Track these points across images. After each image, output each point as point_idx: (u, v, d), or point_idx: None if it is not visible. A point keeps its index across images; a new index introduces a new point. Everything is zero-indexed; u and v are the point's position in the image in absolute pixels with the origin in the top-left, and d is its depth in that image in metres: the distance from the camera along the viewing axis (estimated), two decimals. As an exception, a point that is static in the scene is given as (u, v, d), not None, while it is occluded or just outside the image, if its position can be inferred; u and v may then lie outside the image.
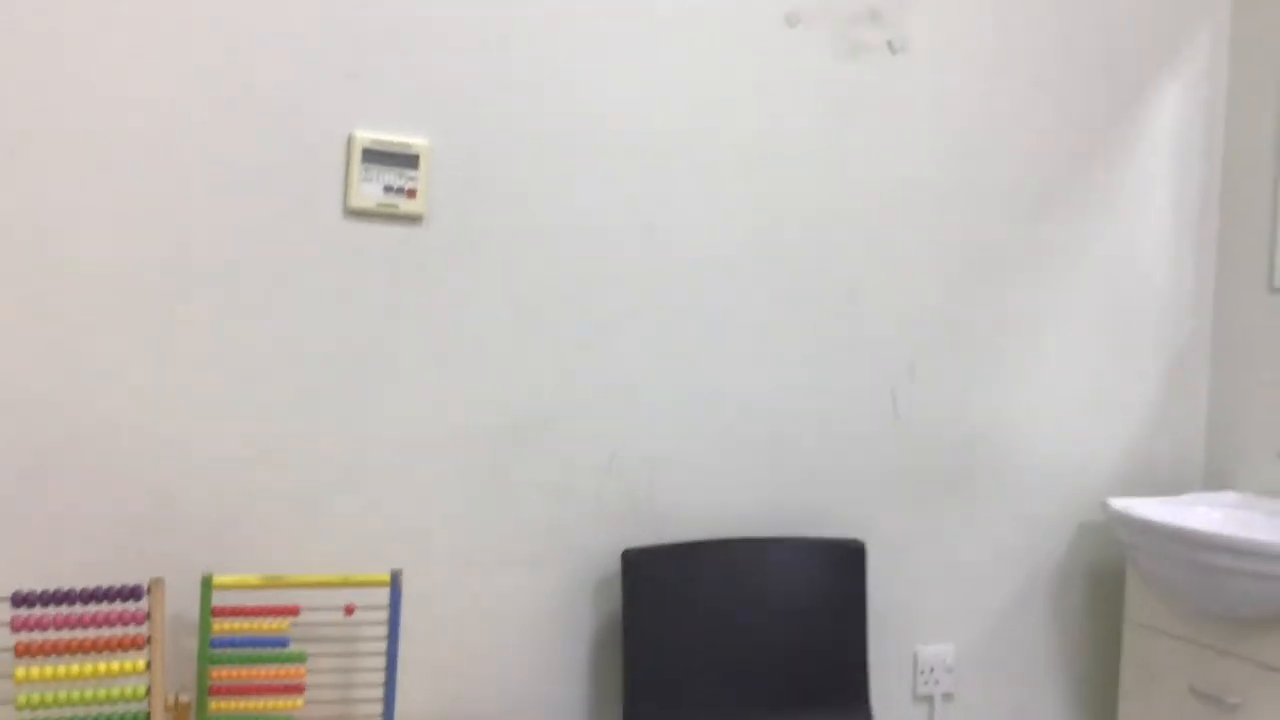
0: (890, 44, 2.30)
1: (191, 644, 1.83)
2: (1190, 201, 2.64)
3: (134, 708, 1.69)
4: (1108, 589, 2.59)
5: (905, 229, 2.33)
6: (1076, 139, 2.49)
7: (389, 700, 1.85)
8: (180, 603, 1.82)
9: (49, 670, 1.64)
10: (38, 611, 1.68)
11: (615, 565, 2.11)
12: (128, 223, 1.77)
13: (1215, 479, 2.66)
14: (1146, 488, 2.61)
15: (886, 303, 2.33)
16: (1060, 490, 2.53)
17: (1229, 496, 2.51)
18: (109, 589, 1.69)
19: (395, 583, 1.86)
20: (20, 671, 1.64)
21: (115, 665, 1.68)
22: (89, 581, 1.73)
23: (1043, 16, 2.44)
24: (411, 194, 1.94)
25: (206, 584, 1.77)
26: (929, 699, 2.43)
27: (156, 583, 1.72)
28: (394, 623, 1.86)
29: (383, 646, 1.90)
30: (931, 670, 2.42)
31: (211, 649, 1.78)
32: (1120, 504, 2.38)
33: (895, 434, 2.35)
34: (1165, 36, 2.60)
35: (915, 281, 2.35)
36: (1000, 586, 2.48)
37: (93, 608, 1.71)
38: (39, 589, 1.69)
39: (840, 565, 2.25)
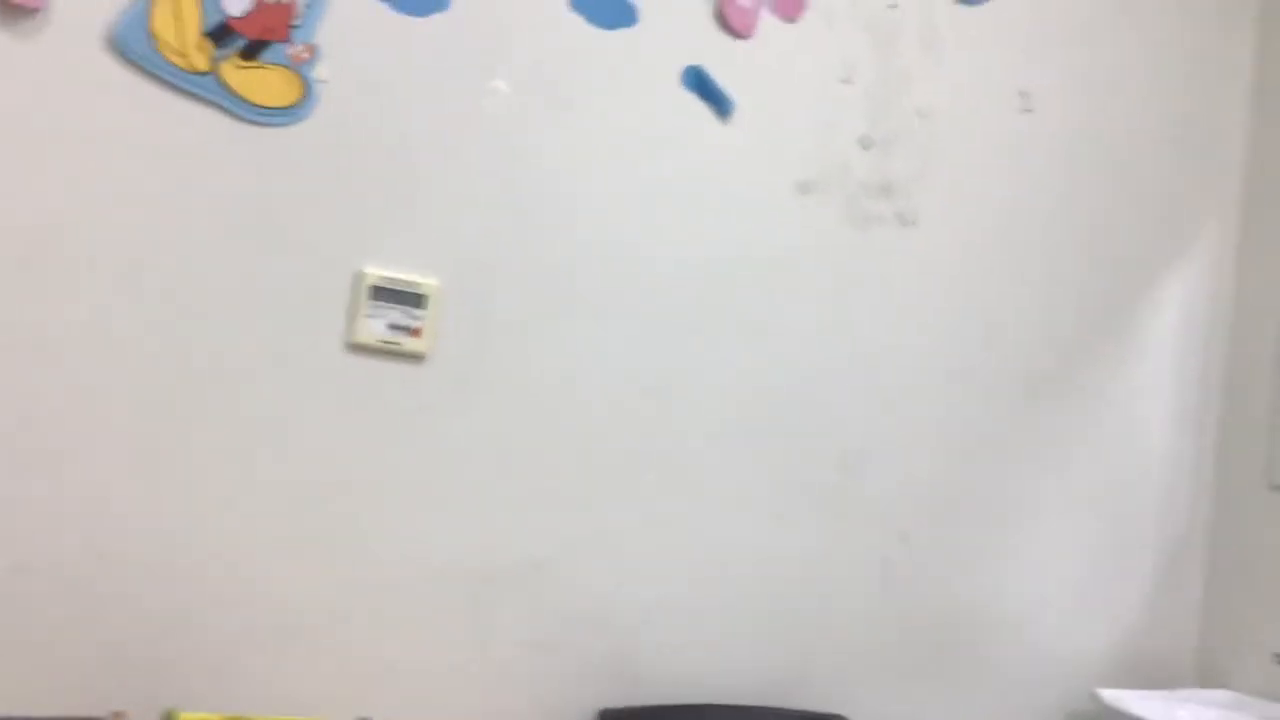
0: (900, 216, 2.33)
1: (146, 781, 1.76)
2: (1192, 395, 2.64)
3: None
4: (1095, 783, 2.51)
5: (905, 401, 2.33)
6: (1082, 326, 2.50)
7: None
8: (140, 737, 1.76)
9: (-6, 803, 1.58)
10: (-10, 739, 1.62)
11: (591, 725, 2.06)
12: (125, 339, 1.76)
13: (1209, 677, 2.60)
14: (1138, 680, 2.55)
15: (882, 473, 2.31)
16: (1050, 676, 2.47)
17: (1222, 695, 2.46)
18: (67, 720, 1.64)
19: (362, 731, 1.80)
20: (-37, 802, 1.57)
21: (64, 801, 1.61)
22: (48, 711, 1.67)
23: (1046, 202, 2.48)
24: (416, 333, 1.94)
25: (168, 720, 1.71)
26: None
27: (118, 716, 1.66)
28: (357, 773, 1.80)
29: (343, 797, 1.83)
30: None
31: (166, 788, 1.72)
32: (1111, 696, 2.33)
33: (885, 605, 2.31)
34: (1174, 229, 2.63)
35: (913, 454, 2.34)
36: (985, 772, 2.41)
37: (48, 739, 1.65)
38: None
39: (822, 740, 2.19)
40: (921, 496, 2.35)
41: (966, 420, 2.39)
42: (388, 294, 1.92)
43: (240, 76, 1.82)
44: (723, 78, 2.15)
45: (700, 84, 2.14)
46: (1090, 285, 2.53)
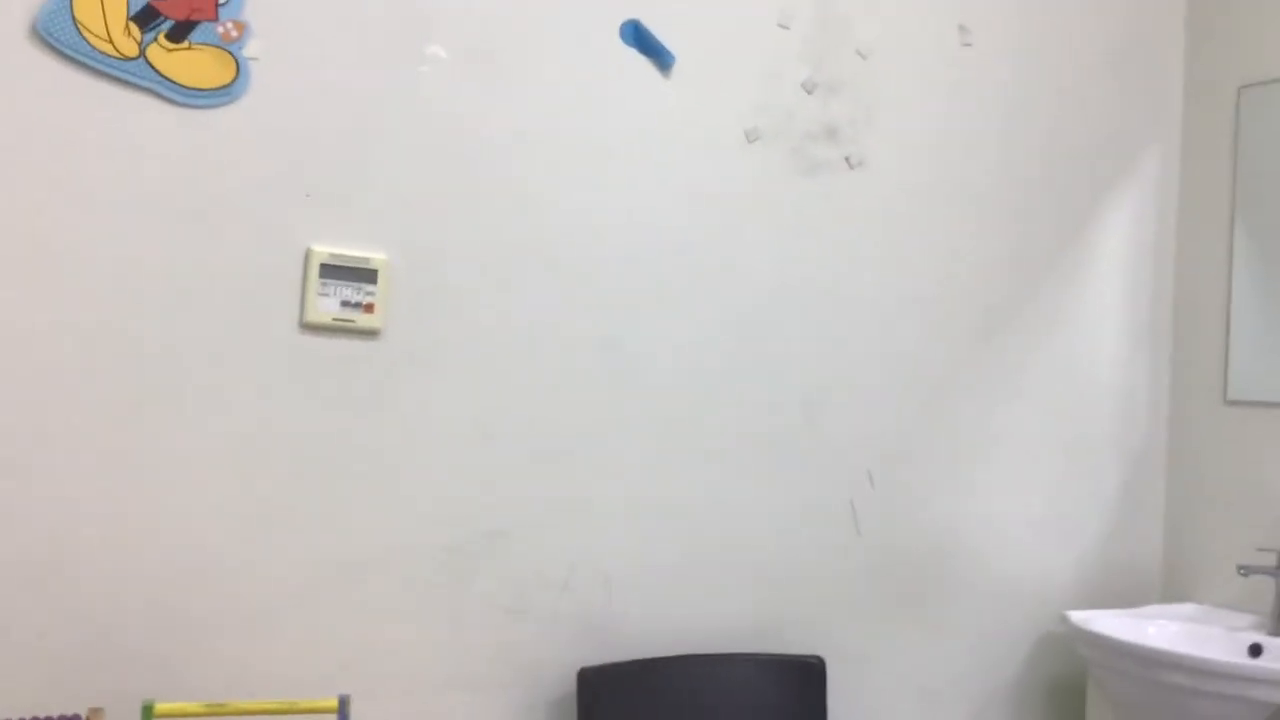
0: (848, 160, 2.33)
1: (130, 773, 1.76)
2: (1143, 316, 2.68)
3: (66, 845, 1.62)
4: (1070, 703, 2.57)
5: (858, 343, 2.35)
6: (1028, 256, 2.54)
7: (335, 832, 1.79)
8: (120, 731, 1.76)
9: (-22, 807, 1.58)
10: (-32, 744, 1.61)
11: (571, 684, 2.07)
12: (79, 334, 1.74)
13: (1174, 591, 2.67)
14: (1106, 599, 2.60)
15: (842, 415, 2.33)
16: (1020, 602, 2.52)
17: (1188, 609, 2.52)
18: (46, 719, 1.63)
19: (343, 708, 1.80)
20: (-53, 808, 1.57)
21: (49, 800, 1.61)
22: (25, 712, 1.66)
23: (991, 135, 2.49)
24: (369, 309, 1.93)
25: (147, 712, 1.71)
26: (890, 818, 2.39)
27: (95, 712, 1.66)
28: (342, 750, 1.81)
29: (330, 774, 1.84)
30: (893, 788, 2.38)
31: (151, 779, 1.72)
32: (1079, 617, 2.38)
33: (854, 546, 2.34)
34: (1118, 153, 2.66)
35: (870, 394, 2.36)
36: (962, 701, 2.46)
37: (27, 739, 1.64)
38: (-29, 720, 1.63)
39: (800, 682, 2.22)
40: (885, 435, 2.37)
41: (923, 356, 2.42)
42: (338, 271, 1.90)
43: (170, 59, 1.78)
44: (661, 31, 2.13)
45: (639, 38, 2.12)
46: (1038, 214, 2.55)
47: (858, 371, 2.35)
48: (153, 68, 1.77)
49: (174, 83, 1.79)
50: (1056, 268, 2.57)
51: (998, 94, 2.50)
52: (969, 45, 2.45)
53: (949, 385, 2.45)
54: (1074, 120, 2.59)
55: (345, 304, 1.91)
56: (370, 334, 1.94)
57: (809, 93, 2.28)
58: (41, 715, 1.64)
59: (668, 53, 2.14)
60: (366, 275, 1.92)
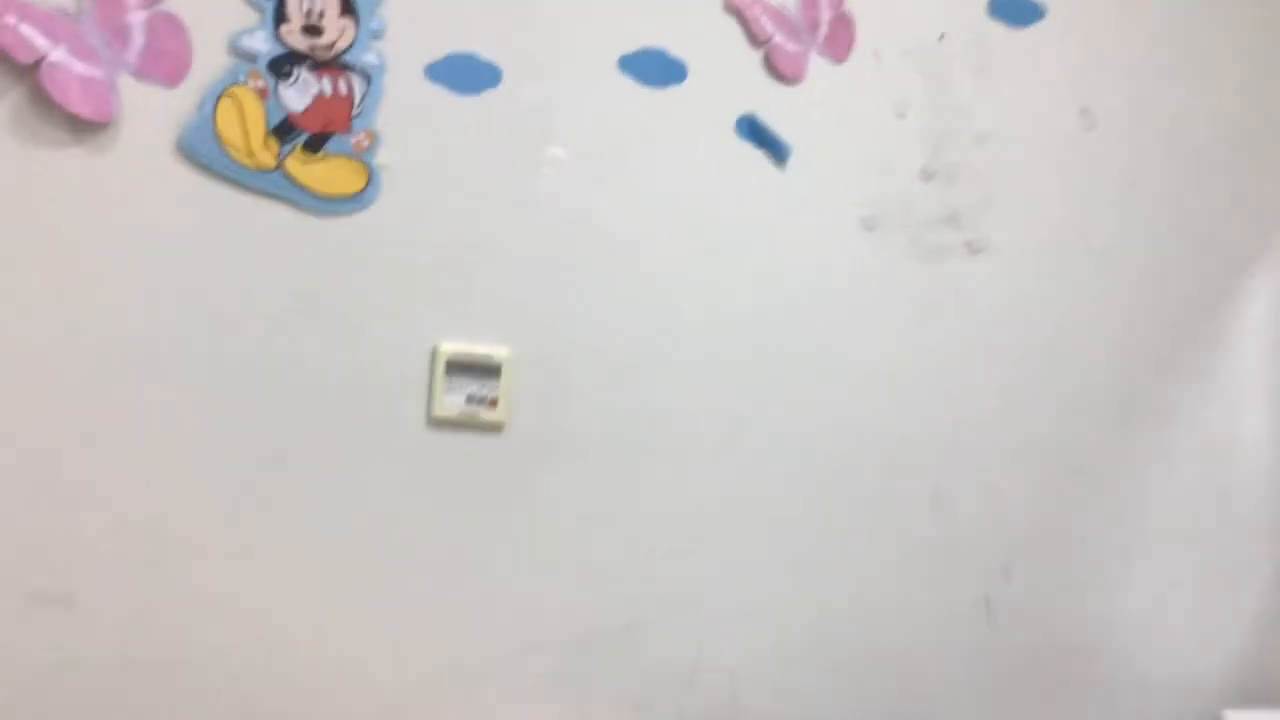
0: (969, 245, 2.30)
1: None
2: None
3: None
4: (1227, 811, 2.41)
5: (990, 431, 2.28)
6: (1168, 338, 2.44)
7: None
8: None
9: None
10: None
11: (698, 784, 2.03)
12: (208, 442, 1.81)
13: (1340, 690, 2.50)
14: (1261, 701, 2.45)
15: (975, 508, 2.26)
16: (1170, 702, 2.39)
17: (1357, 711, 2.36)
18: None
19: (470, 806, 1.80)
20: None
21: None
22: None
23: (1125, 216, 2.43)
24: (493, 403, 1.96)
25: (279, 806, 1.73)
26: None
27: (229, 806, 1.69)
28: None
29: None
30: None
31: None
32: (1237, 717, 2.25)
33: (989, 643, 2.26)
34: (1253, 229, 2.56)
35: (1004, 485, 2.29)
36: (1110, 807, 2.33)
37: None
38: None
39: (936, 785, 2.14)
40: (1021, 527, 2.30)
41: (1058, 446, 2.34)
42: (463, 368, 1.94)
43: (306, 170, 1.87)
44: (777, 124, 2.16)
45: (754, 132, 2.15)
46: (1172, 294, 2.46)
47: (990, 461, 2.28)
48: (290, 179, 1.86)
49: (310, 191, 1.87)
50: (1194, 351, 2.47)
51: (1122, 174, 2.43)
52: (1092, 128, 2.41)
53: (1088, 473, 2.36)
54: (1205, 197, 2.51)
55: (470, 399, 1.95)
56: (495, 428, 1.97)
57: (927, 180, 2.27)
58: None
59: (783, 145, 2.16)
60: (490, 371, 1.96)
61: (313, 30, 1.85)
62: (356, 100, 1.89)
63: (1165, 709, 2.39)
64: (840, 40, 2.20)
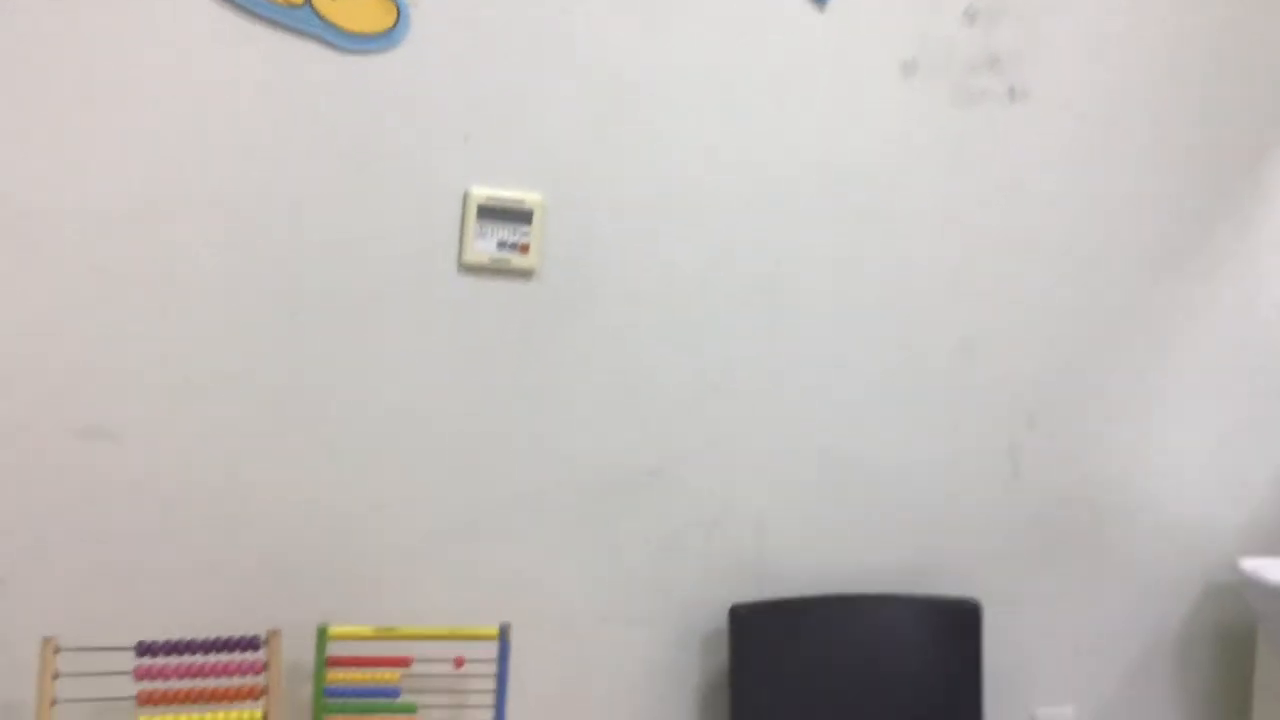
0: (1011, 91, 2.24)
1: (307, 692, 1.86)
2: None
3: (251, 756, 1.73)
4: (1237, 653, 2.48)
5: (1021, 281, 2.27)
6: (1200, 193, 2.39)
7: (497, 754, 1.87)
8: (296, 651, 1.85)
9: (170, 718, 1.68)
10: (160, 661, 1.72)
11: (722, 620, 2.09)
12: (246, 280, 1.82)
13: (1356, 540, 2.53)
14: (1278, 549, 2.49)
15: (1003, 356, 2.26)
16: (1187, 549, 2.43)
17: (1369, 560, 2.39)
18: (228, 639, 1.73)
19: (504, 636, 1.87)
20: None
21: (234, 714, 1.71)
22: (208, 632, 1.77)
23: (1167, 67, 2.35)
24: (525, 249, 1.95)
25: (322, 635, 1.80)
26: (1046, 764, 2.36)
27: (274, 634, 1.76)
28: (502, 676, 1.87)
29: (491, 700, 1.91)
30: (1049, 734, 2.35)
31: (325, 698, 1.82)
32: (1252, 565, 2.29)
33: (1014, 489, 2.29)
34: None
35: (1033, 335, 2.28)
36: (1123, 648, 2.40)
37: (212, 658, 1.75)
38: (160, 639, 1.73)
39: (955, 625, 2.20)
40: (1046, 379, 2.30)
41: (1089, 297, 2.32)
42: (494, 212, 1.93)
43: (334, 6, 1.83)
44: (817, -39, 2.08)
45: (794, -30, 2.08)
46: (1207, 150, 2.40)
47: (1020, 311, 2.27)
48: (318, 14, 1.82)
49: (339, 28, 1.83)
50: (1224, 207, 2.42)
51: (1167, 22, 2.35)
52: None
53: (1113, 328, 2.35)
54: (1245, 51, 2.42)
55: (502, 245, 1.94)
56: (526, 274, 1.97)
57: (970, 22, 2.20)
58: (224, 635, 1.74)
59: (823, -16, 2.09)
60: (522, 216, 1.95)
61: None
62: (384, -66, 1.84)
63: (1184, 557, 2.43)
64: None
